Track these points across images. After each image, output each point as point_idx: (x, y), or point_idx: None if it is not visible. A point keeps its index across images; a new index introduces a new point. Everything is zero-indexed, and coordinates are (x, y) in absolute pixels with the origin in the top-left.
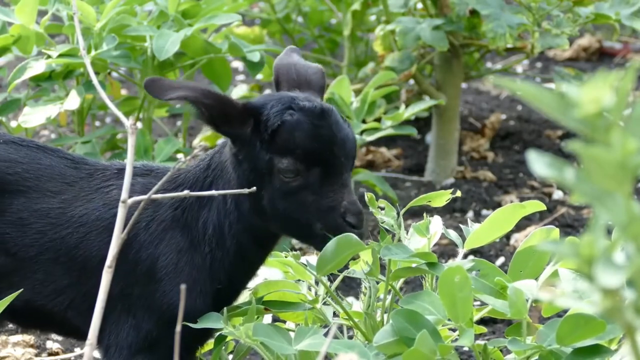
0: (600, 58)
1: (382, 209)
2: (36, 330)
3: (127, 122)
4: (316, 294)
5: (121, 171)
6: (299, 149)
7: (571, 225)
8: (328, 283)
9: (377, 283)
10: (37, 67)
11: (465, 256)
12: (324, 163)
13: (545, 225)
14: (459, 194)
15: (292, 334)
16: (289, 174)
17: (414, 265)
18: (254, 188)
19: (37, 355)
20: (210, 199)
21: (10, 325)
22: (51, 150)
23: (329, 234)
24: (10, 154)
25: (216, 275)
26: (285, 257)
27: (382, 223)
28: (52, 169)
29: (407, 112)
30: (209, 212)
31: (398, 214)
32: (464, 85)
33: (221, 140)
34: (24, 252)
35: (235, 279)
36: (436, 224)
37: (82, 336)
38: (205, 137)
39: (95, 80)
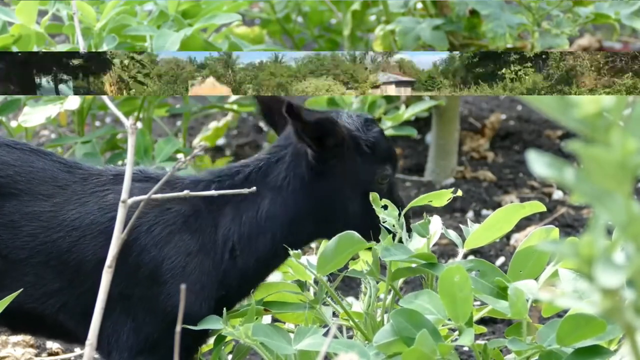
0: None
1: (385, 207)
2: (27, 334)
3: (127, 122)
4: (315, 294)
5: (117, 176)
6: (392, 155)
7: (571, 225)
8: (328, 283)
9: (377, 283)
10: None
11: (465, 256)
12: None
13: (545, 225)
14: (460, 193)
15: (291, 335)
16: (385, 179)
17: (414, 265)
18: (254, 188)
19: (37, 355)
20: (238, 212)
21: None
22: (44, 153)
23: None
24: (2, 156)
25: (227, 282)
26: None
27: (384, 222)
28: (44, 172)
29: (407, 112)
30: (232, 222)
31: (399, 214)
32: None
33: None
34: (14, 254)
35: (246, 285)
36: (436, 224)
37: (74, 339)
38: (205, 137)
39: None
